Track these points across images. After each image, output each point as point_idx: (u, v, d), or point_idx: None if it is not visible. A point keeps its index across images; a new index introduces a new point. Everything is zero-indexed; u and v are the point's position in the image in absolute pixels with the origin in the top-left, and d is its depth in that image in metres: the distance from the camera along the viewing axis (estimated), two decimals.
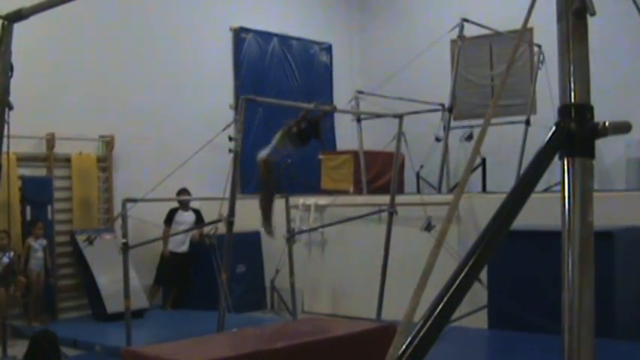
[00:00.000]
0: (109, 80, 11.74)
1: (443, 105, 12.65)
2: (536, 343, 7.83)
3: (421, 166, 12.81)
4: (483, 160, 11.90)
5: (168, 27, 12.70)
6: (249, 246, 11.95)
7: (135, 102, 12.01)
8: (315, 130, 8.63)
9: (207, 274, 10.77)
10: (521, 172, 1.87)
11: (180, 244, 11.75)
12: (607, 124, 1.81)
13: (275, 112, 13.48)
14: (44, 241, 10.39)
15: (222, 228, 9.34)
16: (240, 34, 13.89)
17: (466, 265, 1.67)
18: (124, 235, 8.55)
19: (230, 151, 8.42)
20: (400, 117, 10.29)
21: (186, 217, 11.73)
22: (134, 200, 8.63)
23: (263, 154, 8.55)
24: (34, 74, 10.14)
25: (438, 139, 12.59)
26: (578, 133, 1.79)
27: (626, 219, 8.71)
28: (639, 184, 11.26)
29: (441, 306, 1.62)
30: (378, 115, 12.22)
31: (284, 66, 14.59)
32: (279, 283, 11.52)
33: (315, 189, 12.79)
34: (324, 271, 11.74)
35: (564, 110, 1.82)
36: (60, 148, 11.16)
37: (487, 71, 14.17)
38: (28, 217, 10.54)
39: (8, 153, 5.57)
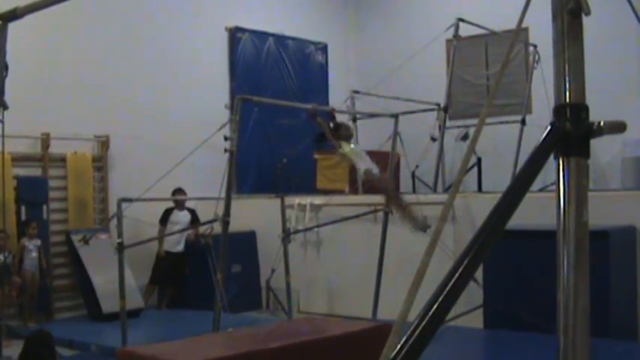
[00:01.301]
0: (104, 80, 11.72)
1: (438, 105, 12.64)
2: (531, 342, 7.84)
3: (417, 166, 12.81)
4: (479, 160, 11.92)
5: (164, 27, 12.68)
6: (244, 246, 11.95)
7: (130, 102, 12.00)
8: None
9: (203, 273, 10.77)
10: (517, 171, 1.87)
11: (175, 244, 11.74)
12: (602, 123, 1.81)
13: (271, 111, 13.54)
14: (38, 241, 10.37)
15: (217, 228, 9.34)
16: (235, 34, 13.89)
17: (461, 264, 1.66)
18: (120, 235, 8.53)
19: (226, 150, 8.43)
20: (396, 117, 10.30)
21: (181, 217, 11.71)
22: (129, 200, 8.61)
23: (362, 172, 8.89)
24: (29, 74, 10.12)
25: (433, 139, 12.59)
26: (573, 132, 1.79)
27: (621, 219, 8.73)
28: (635, 183, 11.28)
29: (436, 305, 1.61)
30: (374, 115, 12.23)
31: (280, 66, 14.59)
32: (275, 282, 11.51)
33: (311, 189, 12.79)
34: (319, 271, 11.74)
35: (559, 110, 1.82)
36: (55, 148, 11.15)
37: (483, 71, 14.18)
38: (23, 217, 10.53)
39: (3, 153, 5.56)
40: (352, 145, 8.98)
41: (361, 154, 8.98)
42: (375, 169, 8.83)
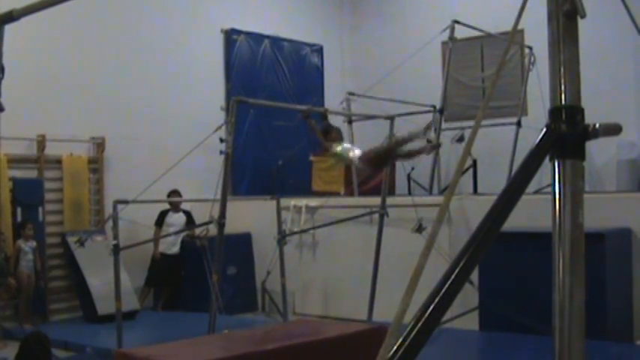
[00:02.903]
0: (100, 81, 11.71)
1: (434, 106, 12.65)
2: (527, 344, 7.85)
3: (412, 168, 12.78)
4: (474, 162, 11.92)
5: (160, 29, 12.67)
6: (240, 247, 11.94)
7: (126, 103, 11.99)
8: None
9: (199, 275, 10.74)
10: (512, 173, 1.87)
11: (171, 246, 11.73)
12: (598, 126, 1.81)
13: (266, 113, 13.55)
14: (34, 243, 10.34)
15: (213, 229, 9.33)
16: (231, 36, 13.88)
17: (457, 266, 1.67)
18: (115, 237, 8.53)
19: (221, 152, 8.41)
20: (391, 118, 10.29)
21: (176, 219, 11.70)
22: (125, 202, 8.61)
23: (357, 159, 8.28)
24: (25, 76, 10.10)
25: (429, 141, 12.58)
26: (568, 134, 1.79)
27: (617, 220, 8.74)
28: (630, 185, 11.30)
29: (431, 307, 1.62)
30: (370, 117, 12.23)
31: (275, 67, 14.58)
32: (270, 284, 11.51)
33: (306, 190, 12.79)
34: (315, 273, 11.73)
35: (555, 112, 1.82)
36: (51, 150, 11.12)
37: (478, 73, 14.20)
38: (19, 218, 10.51)
39: None
40: (340, 147, 8.66)
41: (350, 147, 8.68)
42: (361, 151, 8.31)
